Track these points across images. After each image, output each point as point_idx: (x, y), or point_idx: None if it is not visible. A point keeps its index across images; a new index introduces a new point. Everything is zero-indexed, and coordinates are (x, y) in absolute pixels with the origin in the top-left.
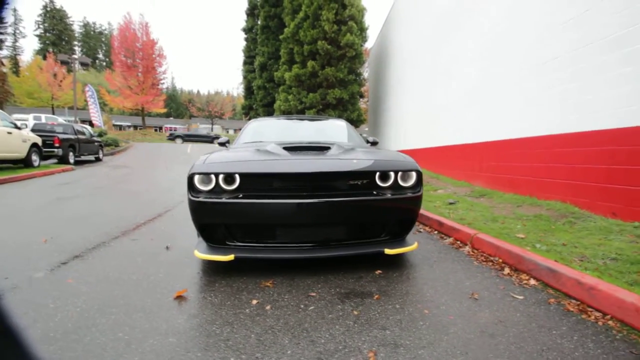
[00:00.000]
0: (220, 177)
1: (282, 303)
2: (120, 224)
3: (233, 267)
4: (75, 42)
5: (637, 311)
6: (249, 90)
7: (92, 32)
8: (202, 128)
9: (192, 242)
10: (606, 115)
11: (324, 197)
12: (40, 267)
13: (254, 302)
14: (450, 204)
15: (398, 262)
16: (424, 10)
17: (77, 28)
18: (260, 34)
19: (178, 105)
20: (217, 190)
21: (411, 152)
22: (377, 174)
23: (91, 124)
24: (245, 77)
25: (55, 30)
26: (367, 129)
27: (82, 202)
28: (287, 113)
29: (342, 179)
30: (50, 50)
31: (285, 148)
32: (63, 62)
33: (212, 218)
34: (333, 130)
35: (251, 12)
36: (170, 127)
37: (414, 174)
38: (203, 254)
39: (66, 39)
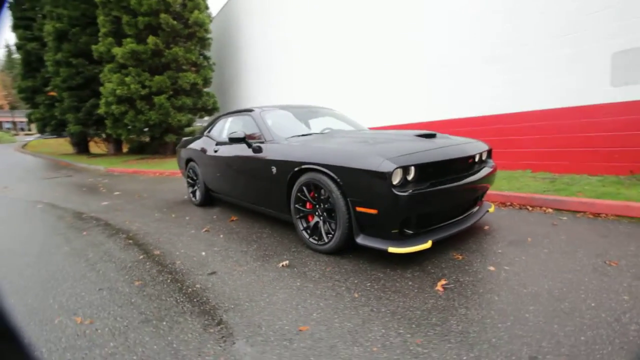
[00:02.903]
0: (412, 169)
1: (517, 267)
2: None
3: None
4: None
5: (626, 207)
6: (30, 66)
7: None
8: None
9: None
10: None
11: (473, 174)
12: None
13: (492, 268)
14: None
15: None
16: None
17: None
18: None
19: None
20: (401, 183)
21: None
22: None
23: None
24: (20, 48)
25: None
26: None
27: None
28: (127, 99)
29: (475, 159)
30: None
31: (417, 135)
32: None
33: (414, 210)
34: (342, 119)
35: None
36: None
37: (487, 152)
38: (402, 248)
39: None
